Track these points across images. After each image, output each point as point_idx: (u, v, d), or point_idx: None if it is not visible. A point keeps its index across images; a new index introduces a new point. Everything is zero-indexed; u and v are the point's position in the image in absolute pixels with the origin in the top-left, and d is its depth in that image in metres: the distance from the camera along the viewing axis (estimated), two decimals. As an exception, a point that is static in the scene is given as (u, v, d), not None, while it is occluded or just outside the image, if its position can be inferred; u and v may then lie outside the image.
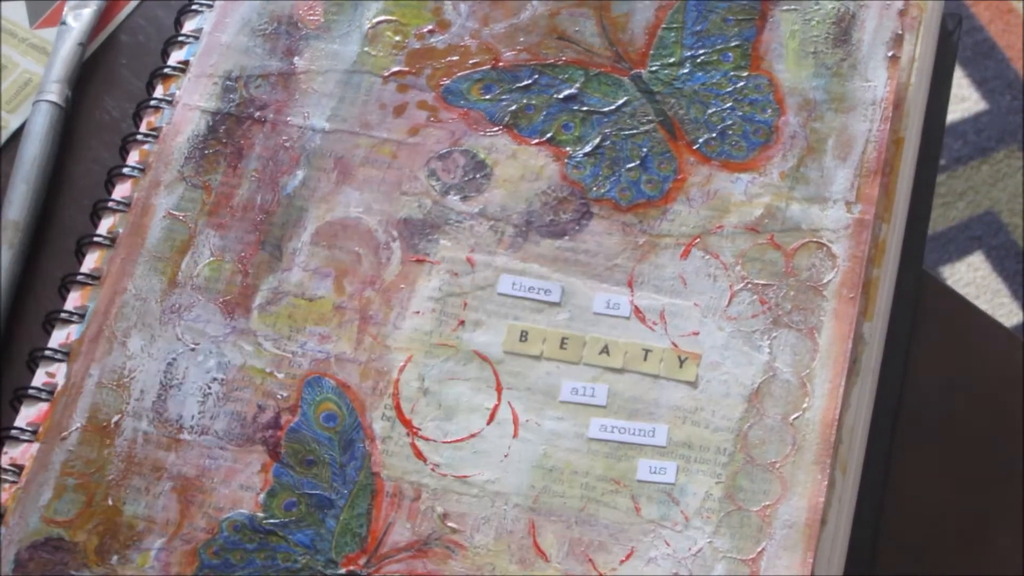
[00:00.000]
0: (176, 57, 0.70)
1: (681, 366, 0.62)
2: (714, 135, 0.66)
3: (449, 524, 0.60)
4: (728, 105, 0.67)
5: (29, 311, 0.67)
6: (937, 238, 1.54)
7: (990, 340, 0.68)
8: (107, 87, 0.73)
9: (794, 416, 0.60)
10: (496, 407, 0.62)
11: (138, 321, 0.64)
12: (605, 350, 0.62)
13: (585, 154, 0.66)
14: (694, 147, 0.66)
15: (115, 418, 0.62)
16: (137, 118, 0.69)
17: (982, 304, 1.52)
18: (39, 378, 0.64)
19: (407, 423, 0.61)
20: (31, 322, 0.67)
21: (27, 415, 0.63)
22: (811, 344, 0.61)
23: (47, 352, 0.64)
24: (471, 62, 0.69)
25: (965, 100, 1.61)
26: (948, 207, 1.56)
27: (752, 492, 0.60)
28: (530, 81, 0.68)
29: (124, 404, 0.62)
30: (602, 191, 0.65)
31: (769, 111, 0.66)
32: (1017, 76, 1.62)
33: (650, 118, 0.67)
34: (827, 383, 0.60)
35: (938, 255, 1.54)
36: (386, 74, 0.69)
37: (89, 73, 0.73)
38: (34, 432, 0.62)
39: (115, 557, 0.60)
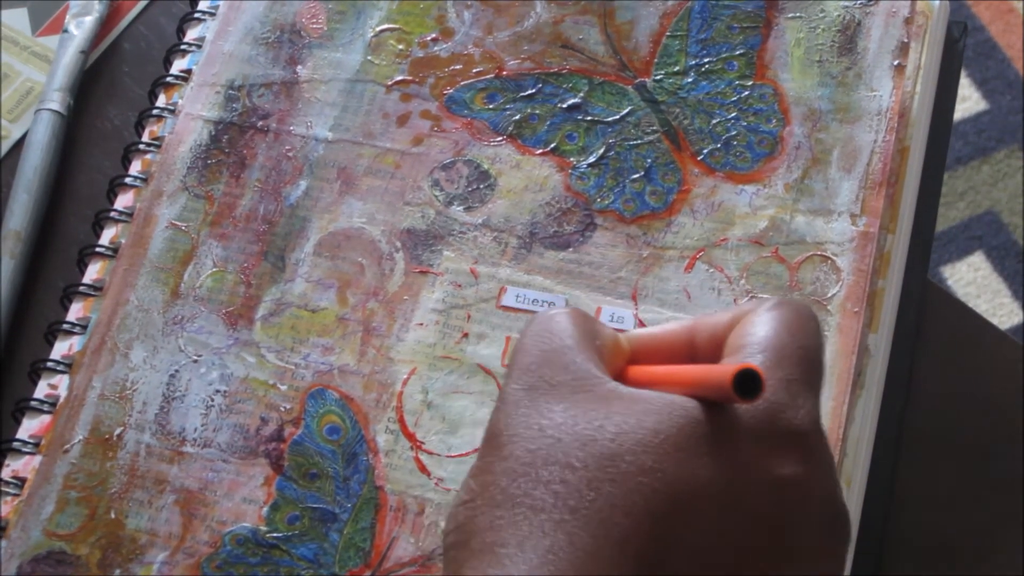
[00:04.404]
0: (179, 66, 0.70)
1: (686, 379, 0.62)
2: (719, 146, 0.66)
3: (453, 538, 0.60)
4: (733, 115, 0.66)
5: (31, 322, 0.67)
6: (938, 238, 1.54)
7: (995, 349, 0.68)
8: (109, 96, 0.73)
9: (800, 433, 0.60)
10: (500, 420, 0.61)
11: (140, 332, 0.64)
12: (609, 363, 0.62)
13: (589, 165, 0.66)
14: (698, 158, 0.65)
15: (117, 431, 0.62)
16: (139, 127, 0.69)
17: (982, 304, 1.52)
18: (41, 390, 0.63)
19: (411, 436, 0.61)
20: (33, 333, 0.66)
21: (29, 427, 0.63)
22: (817, 359, 0.61)
23: (49, 364, 0.64)
24: (475, 71, 0.68)
25: (966, 100, 1.61)
26: (949, 207, 1.56)
27: (757, 506, 0.59)
28: (534, 90, 0.68)
29: (126, 416, 0.62)
30: (606, 202, 0.65)
31: (774, 121, 0.66)
32: (1018, 76, 1.61)
33: (654, 128, 0.66)
34: (831, 400, 0.60)
35: (939, 255, 1.54)
36: (389, 83, 0.68)
37: (91, 81, 0.73)
38: (36, 444, 0.62)
39: (117, 571, 0.60)
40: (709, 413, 0.45)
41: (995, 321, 1.51)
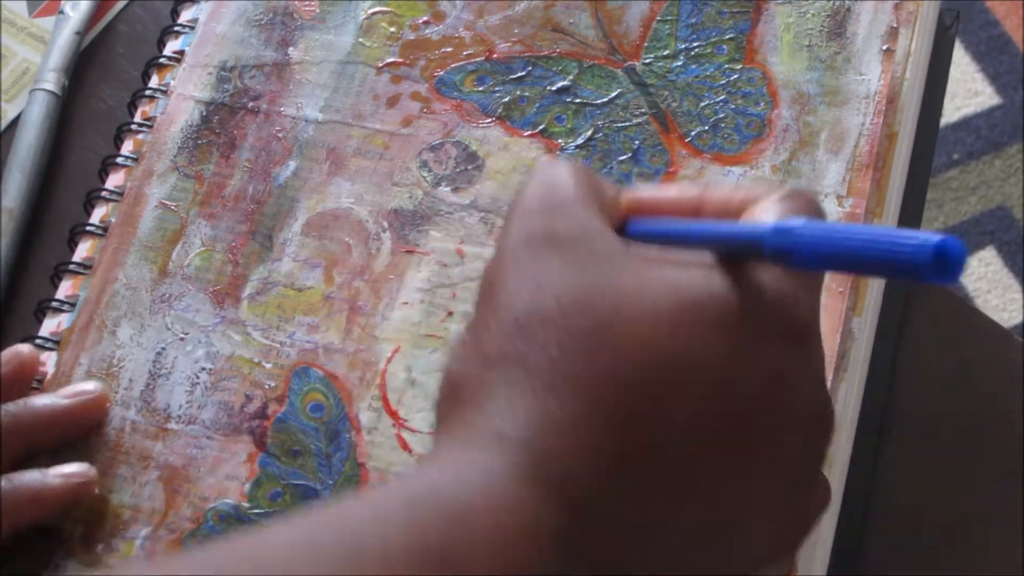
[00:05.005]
0: (172, 47, 0.70)
1: (668, 360, 0.62)
2: (706, 128, 0.66)
3: (433, 516, 0.60)
4: (721, 98, 0.66)
5: (21, 299, 0.68)
6: (949, 232, 1.54)
7: (981, 336, 0.68)
8: (104, 76, 0.73)
9: (777, 411, 0.60)
10: (483, 399, 0.62)
11: (128, 310, 0.64)
12: (593, 343, 0.62)
13: (577, 146, 0.66)
14: (686, 140, 0.66)
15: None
16: (132, 107, 0.69)
17: (993, 299, 1.52)
18: (29, 366, 0.64)
19: (393, 414, 0.61)
20: (23, 310, 0.67)
21: (16, 403, 0.63)
22: (797, 339, 0.61)
23: (38, 340, 0.64)
24: (465, 53, 0.69)
25: (979, 94, 1.60)
26: (960, 202, 1.56)
27: (737, 487, 0.59)
28: (524, 73, 0.68)
29: (113, 393, 0.63)
30: (593, 184, 0.65)
31: (762, 104, 0.66)
32: (1031, 71, 1.61)
33: (643, 110, 0.66)
34: (812, 378, 0.60)
35: (950, 249, 1.53)
36: (380, 65, 0.69)
37: (86, 62, 0.73)
38: (23, 420, 0.63)
39: (100, 546, 0.60)
40: (711, 293, 0.44)
41: (1005, 316, 1.51)
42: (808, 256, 0.42)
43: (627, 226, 0.50)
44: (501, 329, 0.45)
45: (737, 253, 0.45)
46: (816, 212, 0.48)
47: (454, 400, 0.46)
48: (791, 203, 0.47)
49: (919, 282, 0.39)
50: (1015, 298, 1.51)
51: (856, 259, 0.40)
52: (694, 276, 0.45)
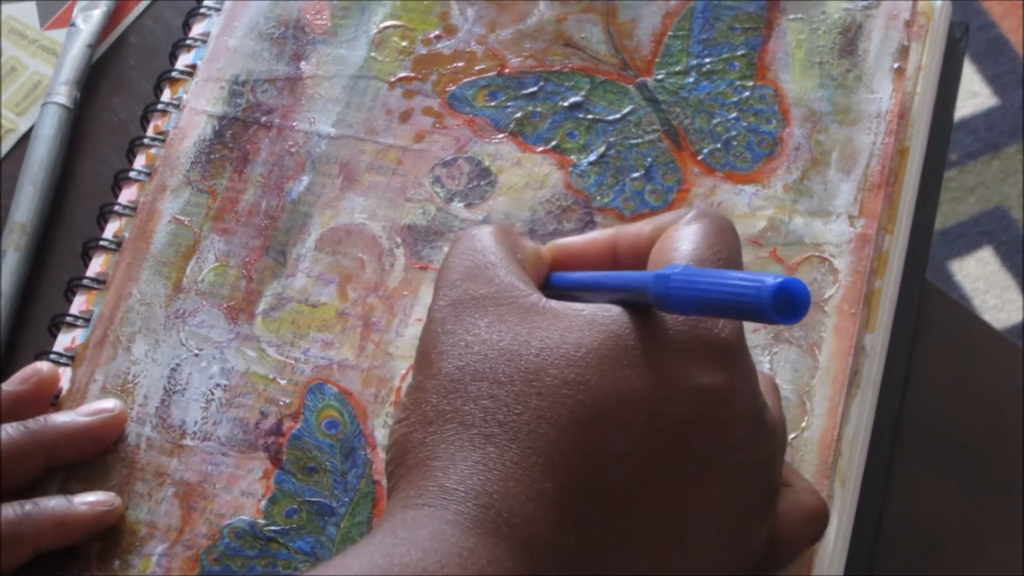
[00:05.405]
0: (184, 61, 0.70)
1: (682, 378, 0.62)
2: (719, 146, 0.66)
3: (449, 534, 0.60)
4: (733, 115, 0.67)
5: (35, 314, 0.68)
6: (947, 233, 1.55)
7: (992, 349, 0.68)
8: (116, 89, 0.73)
9: (792, 436, 0.60)
10: (497, 417, 0.62)
11: (143, 326, 0.64)
12: (606, 361, 0.62)
13: (590, 163, 0.66)
14: (699, 157, 0.66)
15: (119, 423, 0.63)
16: (144, 121, 0.69)
17: (991, 299, 1.52)
18: (44, 382, 0.64)
19: (408, 432, 0.62)
20: (37, 325, 0.67)
21: (32, 419, 0.63)
22: (811, 360, 0.61)
23: (52, 356, 0.64)
24: (477, 68, 0.69)
25: (976, 95, 1.61)
26: (958, 202, 1.56)
27: (750, 506, 0.60)
28: (536, 88, 0.68)
29: (128, 409, 0.63)
30: (606, 200, 0.65)
31: (774, 122, 0.66)
32: (1029, 72, 1.61)
33: (655, 127, 0.67)
34: (826, 401, 0.60)
35: (947, 250, 1.54)
36: (392, 79, 0.69)
37: (98, 75, 0.73)
38: (39, 436, 0.63)
39: (117, 562, 0.60)
40: (631, 326, 0.46)
41: (1003, 317, 1.51)
42: (680, 302, 0.43)
43: (550, 279, 0.53)
44: (436, 390, 0.48)
45: (632, 301, 0.47)
46: (723, 229, 0.50)
47: (400, 464, 0.48)
48: (697, 224, 0.50)
49: (769, 323, 0.41)
50: (1013, 298, 1.52)
51: (714, 304, 0.43)
52: (612, 312, 0.47)
